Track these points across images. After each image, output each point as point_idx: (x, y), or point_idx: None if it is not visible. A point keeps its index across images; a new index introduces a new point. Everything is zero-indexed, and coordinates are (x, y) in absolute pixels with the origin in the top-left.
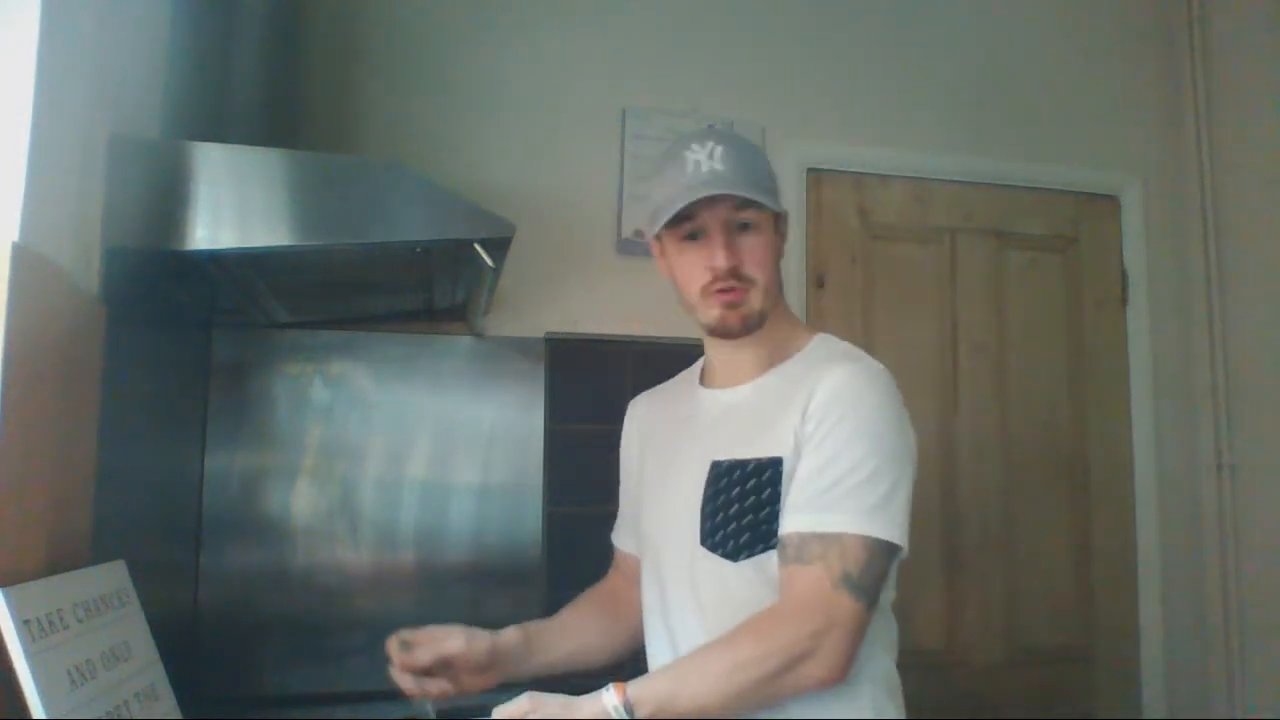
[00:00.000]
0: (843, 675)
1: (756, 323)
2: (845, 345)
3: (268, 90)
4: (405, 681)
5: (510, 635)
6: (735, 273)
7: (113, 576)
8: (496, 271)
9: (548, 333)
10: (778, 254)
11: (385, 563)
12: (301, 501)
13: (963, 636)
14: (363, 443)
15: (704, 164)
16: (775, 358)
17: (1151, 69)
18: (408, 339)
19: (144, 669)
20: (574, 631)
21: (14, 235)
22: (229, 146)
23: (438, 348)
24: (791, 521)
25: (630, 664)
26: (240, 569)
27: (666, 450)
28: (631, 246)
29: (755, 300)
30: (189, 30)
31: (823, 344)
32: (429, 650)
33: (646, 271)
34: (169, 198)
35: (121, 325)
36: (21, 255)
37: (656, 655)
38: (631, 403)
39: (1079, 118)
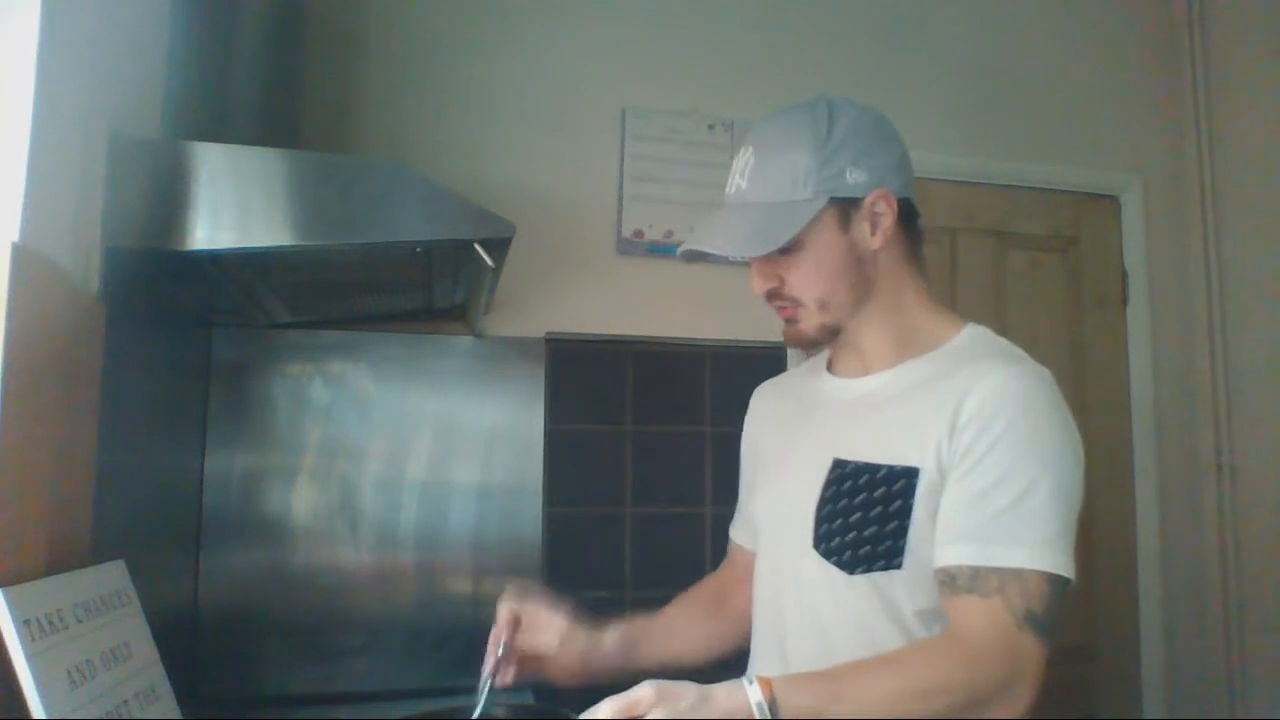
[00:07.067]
0: None
1: (818, 339)
2: (1003, 342)
3: (268, 90)
4: (491, 652)
5: (609, 641)
6: (777, 294)
7: (113, 576)
8: (496, 271)
9: (548, 333)
10: (842, 258)
11: (385, 563)
12: (301, 501)
13: None
14: (363, 443)
15: (733, 181)
16: (914, 347)
17: (1151, 69)
18: (408, 339)
19: (144, 669)
20: (678, 634)
21: (14, 235)
22: (229, 146)
23: (438, 348)
24: (958, 553)
25: (734, 662)
26: (240, 569)
27: (785, 438)
28: (631, 246)
29: (807, 320)
30: (189, 30)
31: (976, 338)
32: (526, 640)
33: (646, 271)
34: (169, 198)
35: (121, 325)
36: (21, 255)
37: (762, 653)
38: (757, 389)
39: (1079, 118)
